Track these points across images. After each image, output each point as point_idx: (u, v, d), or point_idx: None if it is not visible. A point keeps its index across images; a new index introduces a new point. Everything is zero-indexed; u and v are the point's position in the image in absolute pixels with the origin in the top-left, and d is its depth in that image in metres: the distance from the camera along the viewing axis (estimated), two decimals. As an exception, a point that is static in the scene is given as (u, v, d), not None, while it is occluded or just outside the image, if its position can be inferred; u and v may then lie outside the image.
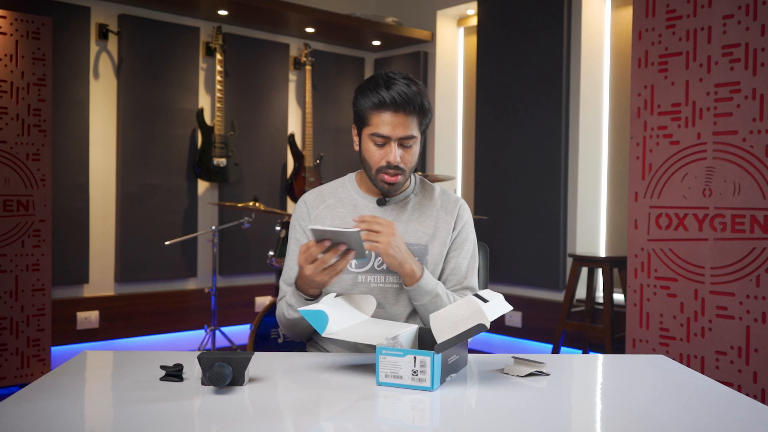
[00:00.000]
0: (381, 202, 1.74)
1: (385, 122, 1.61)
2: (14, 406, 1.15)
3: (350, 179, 1.81)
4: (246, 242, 4.75)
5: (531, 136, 4.45)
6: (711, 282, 2.58)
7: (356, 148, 1.74)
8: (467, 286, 1.74)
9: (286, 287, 1.73)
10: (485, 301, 1.33)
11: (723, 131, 2.56)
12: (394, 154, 1.62)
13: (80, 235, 4.11)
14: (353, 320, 1.48)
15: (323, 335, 1.39)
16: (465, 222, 1.78)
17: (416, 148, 1.67)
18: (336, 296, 1.51)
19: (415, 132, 1.64)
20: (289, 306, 1.62)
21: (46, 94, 3.48)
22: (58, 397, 1.20)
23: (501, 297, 1.41)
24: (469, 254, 1.76)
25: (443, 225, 1.74)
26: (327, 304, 1.44)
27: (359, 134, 1.70)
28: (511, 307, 1.41)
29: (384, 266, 1.68)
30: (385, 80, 1.61)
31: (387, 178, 1.65)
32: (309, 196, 1.79)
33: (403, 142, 1.63)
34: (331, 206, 1.75)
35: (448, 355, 1.33)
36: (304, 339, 1.77)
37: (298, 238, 1.75)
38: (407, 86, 1.61)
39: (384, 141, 1.62)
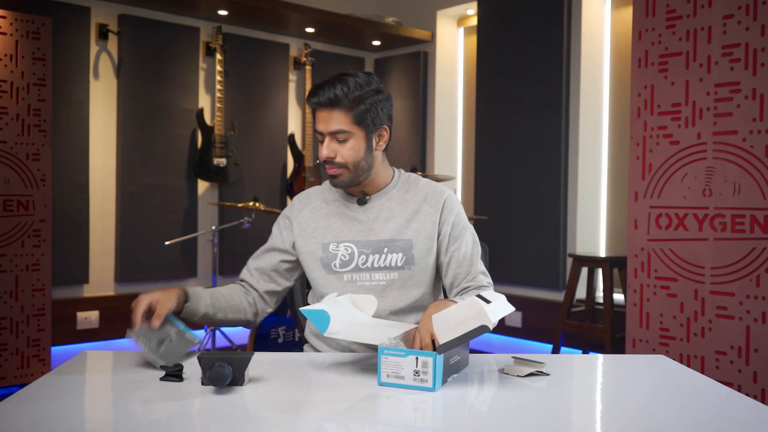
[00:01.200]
0: (361, 202, 1.74)
1: (318, 120, 1.67)
2: (14, 406, 1.15)
3: None
4: (246, 242, 4.75)
5: (531, 136, 4.45)
6: (711, 282, 2.58)
7: None
8: (479, 272, 1.73)
9: (250, 266, 1.82)
10: (488, 302, 1.33)
11: (723, 131, 2.56)
12: (327, 148, 1.66)
13: (80, 235, 4.11)
14: (355, 320, 1.48)
15: (325, 335, 1.39)
16: (456, 213, 1.75)
17: (357, 143, 1.67)
18: (337, 296, 1.51)
19: (345, 126, 1.65)
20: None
21: (46, 94, 3.48)
22: (58, 397, 1.20)
23: (503, 298, 1.40)
24: (470, 242, 1.74)
25: (427, 218, 1.72)
26: (329, 303, 1.44)
27: None
28: (513, 308, 1.40)
29: (369, 264, 1.69)
30: (328, 80, 1.67)
31: (328, 170, 1.70)
32: (298, 198, 1.84)
33: (336, 137, 1.66)
34: (315, 208, 1.78)
35: (450, 356, 1.33)
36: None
37: (272, 242, 1.82)
38: (340, 81, 1.64)
39: (321, 137, 1.68)
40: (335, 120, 1.64)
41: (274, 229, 1.82)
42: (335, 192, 1.79)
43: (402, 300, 1.69)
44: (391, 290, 1.69)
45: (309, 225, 1.75)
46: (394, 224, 1.71)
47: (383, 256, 1.68)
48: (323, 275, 1.70)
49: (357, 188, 1.74)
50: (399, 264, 1.69)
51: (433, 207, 1.74)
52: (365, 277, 1.69)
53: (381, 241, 1.69)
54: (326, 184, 1.84)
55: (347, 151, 1.66)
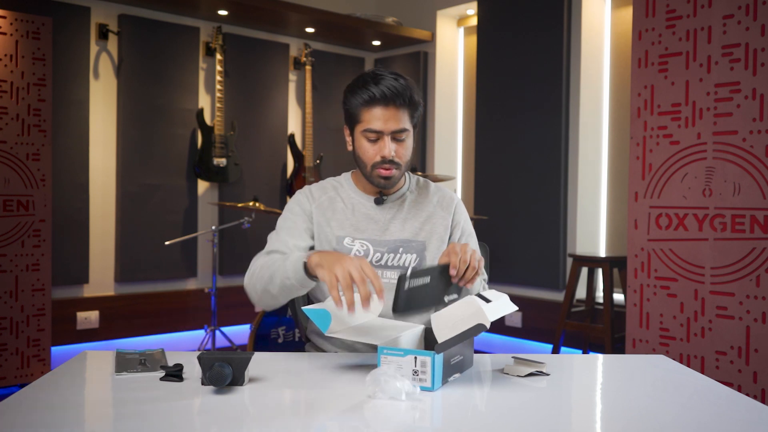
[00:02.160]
0: (378, 201, 1.75)
1: (376, 117, 1.62)
2: (14, 406, 1.15)
3: (346, 179, 1.81)
4: (246, 242, 4.75)
5: (531, 136, 4.45)
6: (711, 282, 2.58)
7: (349, 148, 1.74)
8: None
9: (277, 245, 1.67)
10: (488, 301, 1.34)
11: (723, 131, 2.56)
12: (389, 148, 1.63)
13: (80, 235, 4.11)
14: (357, 320, 1.48)
15: (326, 334, 1.39)
16: (465, 218, 1.81)
17: (409, 142, 1.68)
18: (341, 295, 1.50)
19: (407, 125, 1.65)
20: (284, 260, 1.52)
21: (46, 94, 3.48)
22: (58, 397, 1.20)
23: (506, 297, 1.41)
24: (474, 246, 1.78)
25: (440, 221, 1.76)
26: (331, 303, 1.44)
27: (351, 133, 1.71)
28: (516, 308, 1.41)
29: (383, 261, 1.69)
30: (373, 77, 1.64)
31: (383, 172, 1.65)
32: (314, 187, 1.79)
33: (396, 136, 1.64)
34: (332, 198, 1.75)
35: (450, 356, 1.33)
36: (257, 299, 1.63)
37: (296, 220, 1.71)
38: (395, 80, 1.63)
39: (377, 136, 1.64)
40: (401, 119, 1.63)
41: (292, 213, 1.72)
42: (348, 189, 1.78)
43: None
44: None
45: (325, 215, 1.73)
46: (410, 226, 1.73)
47: (398, 255, 1.70)
48: None
49: (375, 188, 1.74)
50: (412, 265, 1.71)
51: (445, 210, 1.77)
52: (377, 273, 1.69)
53: (397, 241, 1.70)
54: (334, 180, 1.82)
55: (404, 151, 1.67)
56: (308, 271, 1.47)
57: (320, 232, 1.72)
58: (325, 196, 1.76)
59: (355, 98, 1.64)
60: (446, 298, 1.49)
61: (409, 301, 1.38)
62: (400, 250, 1.70)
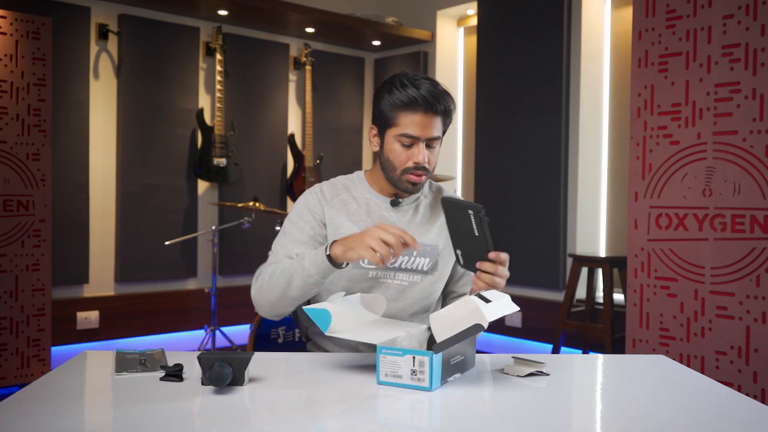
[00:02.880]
0: (394, 203, 1.73)
1: (414, 123, 1.59)
2: (14, 406, 1.15)
3: (359, 178, 1.78)
4: (246, 242, 4.75)
5: (531, 136, 4.45)
6: (711, 282, 2.58)
7: (374, 149, 1.70)
8: None
9: (281, 255, 1.65)
10: (487, 301, 1.33)
11: (723, 131, 2.56)
12: (423, 155, 1.61)
13: (80, 235, 4.11)
14: (358, 320, 1.48)
15: (327, 334, 1.39)
16: None
17: (438, 150, 1.67)
18: (345, 295, 1.51)
19: (440, 133, 1.64)
20: (301, 260, 1.53)
21: (46, 94, 3.48)
22: (58, 397, 1.20)
23: (507, 298, 1.40)
24: None
25: None
26: (333, 303, 1.44)
27: (381, 134, 1.67)
28: (517, 308, 1.40)
29: (397, 264, 1.67)
30: (412, 80, 1.60)
31: (413, 178, 1.63)
32: (325, 186, 1.75)
33: (430, 143, 1.63)
34: (345, 200, 1.72)
35: (450, 356, 1.33)
36: (266, 311, 1.65)
37: (303, 227, 1.68)
38: (434, 86, 1.61)
39: (412, 141, 1.61)
40: (436, 127, 1.62)
41: (299, 218, 1.70)
42: (362, 188, 1.75)
43: (420, 303, 1.70)
44: (411, 292, 1.69)
45: (339, 214, 1.70)
46: (425, 230, 1.72)
47: (412, 258, 1.69)
48: (348, 269, 1.65)
49: (393, 189, 1.72)
50: (425, 268, 1.70)
51: None
52: (390, 275, 1.68)
53: None
54: (346, 179, 1.78)
55: (434, 158, 1.66)
56: (334, 262, 1.47)
57: (336, 229, 1.68)
58: (338, 198, 1.72)
59: (393, 99, 1.60)
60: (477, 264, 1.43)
61: (472, 238, 1.38)
62: (415, 253, 1.68)
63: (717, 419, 1.15)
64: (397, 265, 1.68)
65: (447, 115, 1.64)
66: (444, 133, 1.68)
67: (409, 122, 1.59)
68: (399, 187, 1.68)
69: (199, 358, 1.25)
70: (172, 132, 4.44)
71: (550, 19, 4.35)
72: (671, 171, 2.69)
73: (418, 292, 1.69)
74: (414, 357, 1.27)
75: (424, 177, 1.65)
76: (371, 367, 1.41)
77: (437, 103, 1.58)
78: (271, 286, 1.58)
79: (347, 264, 1.51)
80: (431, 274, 1.70)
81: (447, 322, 1.31)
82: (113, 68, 4.27)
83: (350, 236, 1.47)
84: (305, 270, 1.51)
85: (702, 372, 2.55)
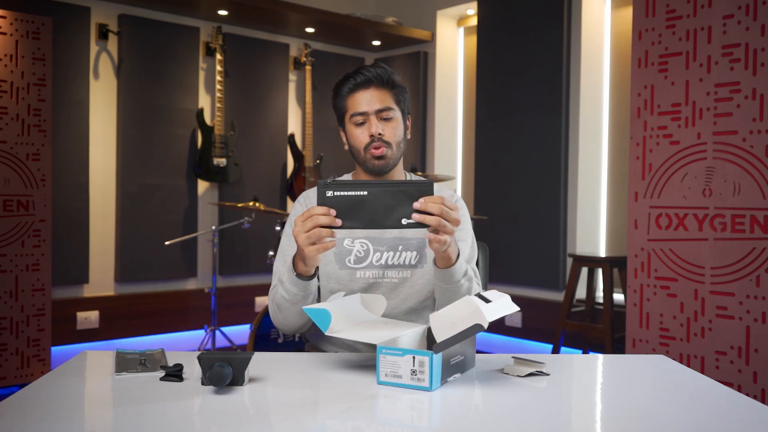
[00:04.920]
0: None
1: (359, 101, 1.67)
2: (14, 406, 1.15)
3: (346, 178, 1.82)
4: (246, 242, 4.75)
5: (531, 136, 4.45)
6: (711, 282, 2.58)
7: (346, 147, 1.77)
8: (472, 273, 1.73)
9: (279, 275, 1.69)
10: (487, 301, 1.33)
11: (723, 131, 2.56)
12: (375, 126, 1.66)
13: (80, 235, 4.11)
14: (358, 320, 1.48)
15: (326, 334, 1.39)
16: (465, 219, 1.79)
17: (399, 125, 1.70)
18: (344, 295, 1.51)
19: (392, 105, 1.68)
20: (282, 283, 1.58)
21: (46, 94, 3.48)
22: (58, 398, 1.20)
23: (507, 298, 1.40)
24: (468, 246, 1.75)
25: None
26: (333, 303, 1.44)
27: (344, 127, 1.74)
28: (517, 308, 1.40)
29: (383, 261, 1.68)
30: (353, 72, 1.70)
31: (374, 152, 1.67)
32: (311, 192, 1.79)
33: (382, 115, 1.67)
34: None
35: (450, 356, 1.33)
36: (292, 330, 1.68)
37: (293, 244, 1.70)
38: (373, 68, 1.68)
39: (363, 118, 1.67)
40: (381, 98, 1.67)
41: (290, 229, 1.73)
42: None
43: (413, 298, 1.70)
44: (403, 288, 1.69)
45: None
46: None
47: (397, 253, 1.69)
48: (336, 270, 1.69)
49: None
50: (413, 262, 1.70)
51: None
52: (378, 274, 1.69)
53: (395, 239, 1.70)
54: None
55: (393, 131, 1.69)
56: (304, 276, 1.53)
57: None
58: None
59: (339, 92, 1.70)
60: (404, 221, 1.37)
61: (344, 212, 1.35)
62: (400, 247, 1.69)
63: (717, 419, 1.15)
64: (383, 262, 1.69)
65: (396, 90, 1.69)
66: (404, 111, 1.71)
67: (355, 102, 1.68)
68: (368, 169, 1.71)
69: (199, 358, 1.25)
70: (172, 132, 4.44)
71: (550, 19, 4.35)
72: (671, 171, 2.69)
73: (409, 287, 1.70)
74: (414, 357, 1.26)
75: (385, 149, 1.67)
76: (371, 367, 1.41)
77: (376, 78, 1.66)
78: (278, 313, 1.65)
79: (317, 269, 1.55)
80: (420, 267, 1.70)
81: (447, 322, 1.31)
82: (113, 68, 4.27)
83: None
84: (289, 292, 1.56)
85: (702, 372, 2.55)
